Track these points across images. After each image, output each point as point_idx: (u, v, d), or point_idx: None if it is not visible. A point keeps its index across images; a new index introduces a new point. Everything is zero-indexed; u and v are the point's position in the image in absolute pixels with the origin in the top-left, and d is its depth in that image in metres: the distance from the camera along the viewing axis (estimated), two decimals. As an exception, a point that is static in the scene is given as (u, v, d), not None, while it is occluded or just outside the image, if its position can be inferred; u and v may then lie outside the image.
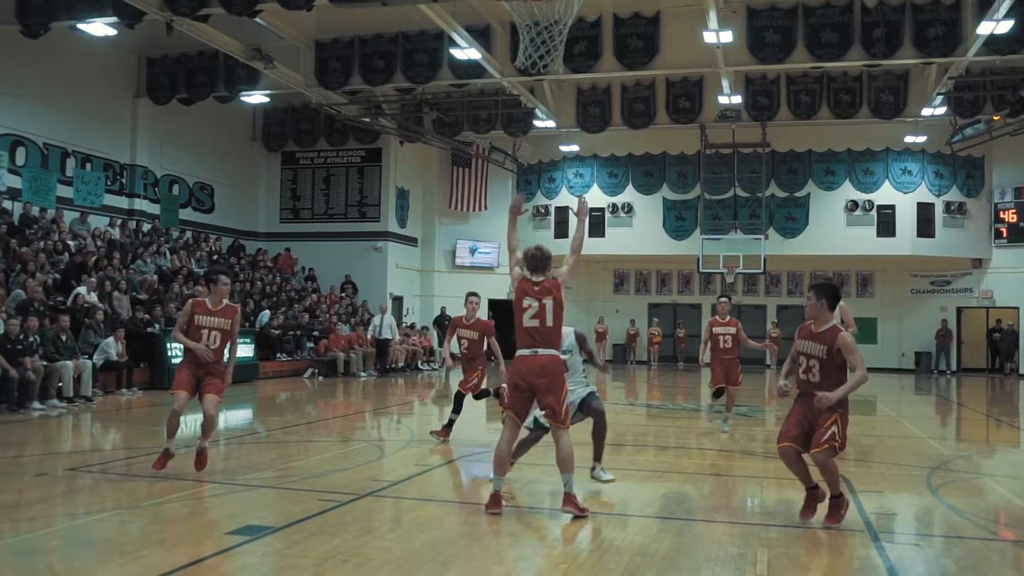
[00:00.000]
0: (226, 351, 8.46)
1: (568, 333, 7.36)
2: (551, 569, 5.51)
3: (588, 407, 8.14)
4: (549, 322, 6.86)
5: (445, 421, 11.07)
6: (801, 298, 31.31)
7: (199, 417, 8.35)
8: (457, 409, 11.07)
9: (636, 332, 32.59)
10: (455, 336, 11.14)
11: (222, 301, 8.37)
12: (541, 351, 6.81)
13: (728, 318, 12.39)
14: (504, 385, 11.01)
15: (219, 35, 20.86)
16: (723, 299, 12.78)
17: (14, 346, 13.63)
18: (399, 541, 5.93)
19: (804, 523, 6.55)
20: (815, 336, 6.61)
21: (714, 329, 12.31)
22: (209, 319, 8.29)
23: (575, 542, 6.08)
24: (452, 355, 11.43)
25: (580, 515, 6.55)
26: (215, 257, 25.59)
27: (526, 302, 6.93)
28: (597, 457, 8.19)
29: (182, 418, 8.43)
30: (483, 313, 32.39)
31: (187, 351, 8.27)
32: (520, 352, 6.91)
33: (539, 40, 8.07)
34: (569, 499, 6.59)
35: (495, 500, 6.76)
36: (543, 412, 6.85)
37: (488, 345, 11.12)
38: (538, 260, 7.08)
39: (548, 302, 6.87)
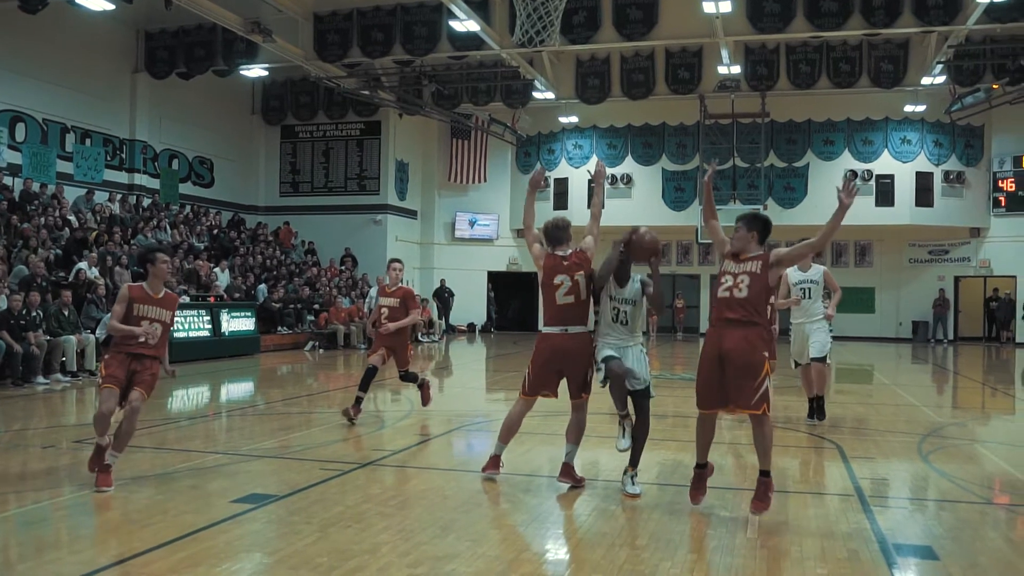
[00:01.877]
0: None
1: (634, 279, 6.61)
2: (547, 532, 5.65)
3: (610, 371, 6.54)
4: (583, 296, 6.66)
5: (418, 385, 10.68)
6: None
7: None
8: (410, 379, 10.52)
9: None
10: (376, 305, 10.61)
11: (162, 287, 7.08)
12: (572, 329, 6.65)
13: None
14: (427, 379, 11.01)
15: (217, 9, 20.83)
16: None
17: (17, 321, 13.77)
18: (400, 507, 6.08)
19: (695, 505, 6.14)
20: (746, 260, 6.12)
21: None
22: (151, 309, 6.95)
23: (572, 507, 6.21)
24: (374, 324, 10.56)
25: (576, 486, 6.67)
26: (215, 232, 25.68)
27: (558, 279, 6.66)
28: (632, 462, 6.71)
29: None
30: (482, 285, 33.10)
31: (118, 342, 6.95)
32: (548, 329, 6.75)
33: (535, 16, 8.12)
34: (567, 469, 6.71)
35: (493, 462, 6.87)
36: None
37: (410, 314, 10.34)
38: (559, 231, 6.82)
39: (580, 277, 6.64)
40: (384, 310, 10.31)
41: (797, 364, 10.42)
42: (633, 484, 6.49)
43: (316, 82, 26.51)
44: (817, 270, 10.03)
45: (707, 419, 6.16)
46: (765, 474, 5.91)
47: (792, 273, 9.91)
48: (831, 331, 10.25)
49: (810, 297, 9.97)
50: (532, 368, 6.82)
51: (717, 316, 6.12)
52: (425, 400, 10.77)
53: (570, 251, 6.75)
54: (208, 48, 24.20)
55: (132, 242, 20.78)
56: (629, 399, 6.51)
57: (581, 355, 6.66)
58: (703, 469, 6.20)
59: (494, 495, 6.55)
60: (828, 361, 10.12)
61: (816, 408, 10.23)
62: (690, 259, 32.45)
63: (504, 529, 5.72)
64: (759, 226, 6.21)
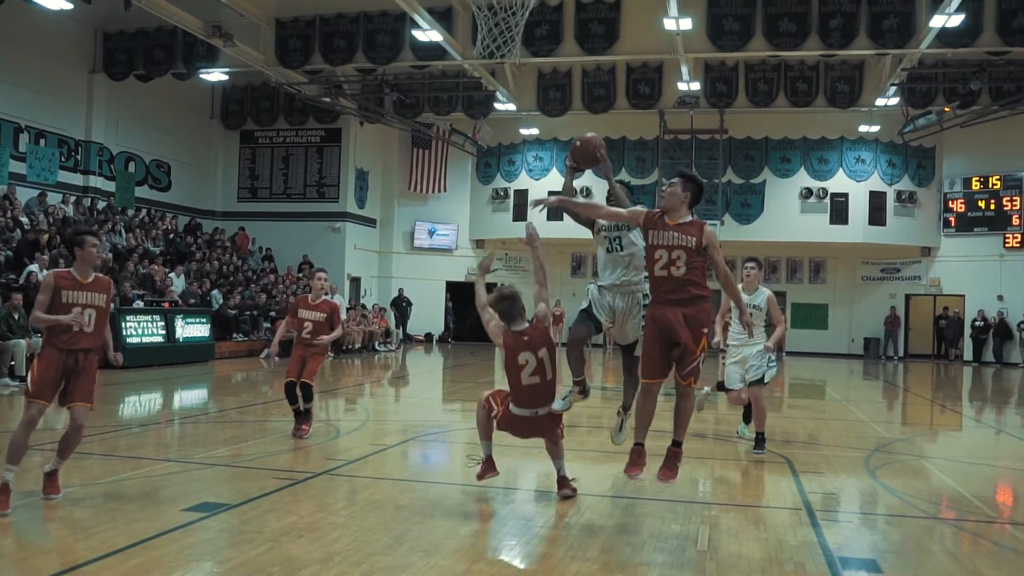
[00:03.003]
0: (108, 335, 6.75)
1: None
2: (500, 544, 5.68)
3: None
4: (550, 375, 6.35)
5: (301, 415, 9.46)
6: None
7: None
8: (307, 398, 9.39)
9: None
10: (296, 317, 9.63)
11: (91, 271, 6.51)
12: (542, 411, 6.38)
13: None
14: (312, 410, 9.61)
15: (178, 11, 20.67)
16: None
17: (-34, 323, 13.51)
18: (353, 517, 6.07)
19: (631, 477, 6.07)
20: (677, 227, 5.84)
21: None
22: (80, 294, 6.36)
23: (526, 519, 6.24)
24: (280, 342, 10.05)
25: (570, 495, 6.68)
26: (171, 236, 25.41)
27: (522, 358, 6.33)
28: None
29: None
30: (440, 294, 33.04)
31: (49, 337, 6.35)
32: (517, 411, 6.41)
33: (497, 31, 8.19)
34: (563, 482, 6.74)
35: (487, 466, 6.60)
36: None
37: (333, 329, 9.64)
38: (511, 304, 6.46)
39: (544, 354, 6.35)
40: (308, 324, 9.50)
41: (723, 387, 9.41)
42: (620, 432, 6.77)
43: (277, 88, 26.37)
44: (762, 294, 9.07)
45: (651, 390, 5.95)
46: (677, 444, 5.93)
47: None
48: (773, 362, 9.29)
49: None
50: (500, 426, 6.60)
51: (658, 295, 5.92)
52: (299, 430, 9.36)
53: (527, 324, 6.49)
54: (168, 51, 23.98)
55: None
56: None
57: (551, 426, 6.53)
58: (641, 447, 6.02)
59: (448, 506, 6.56)
60: (766, 382, 9.14)
61: (757, 439, 9.19)
62: (648, 272, 32.57)
63: (458, 540, 5.74)
64: (693, 188, 6.01)
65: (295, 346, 9.60)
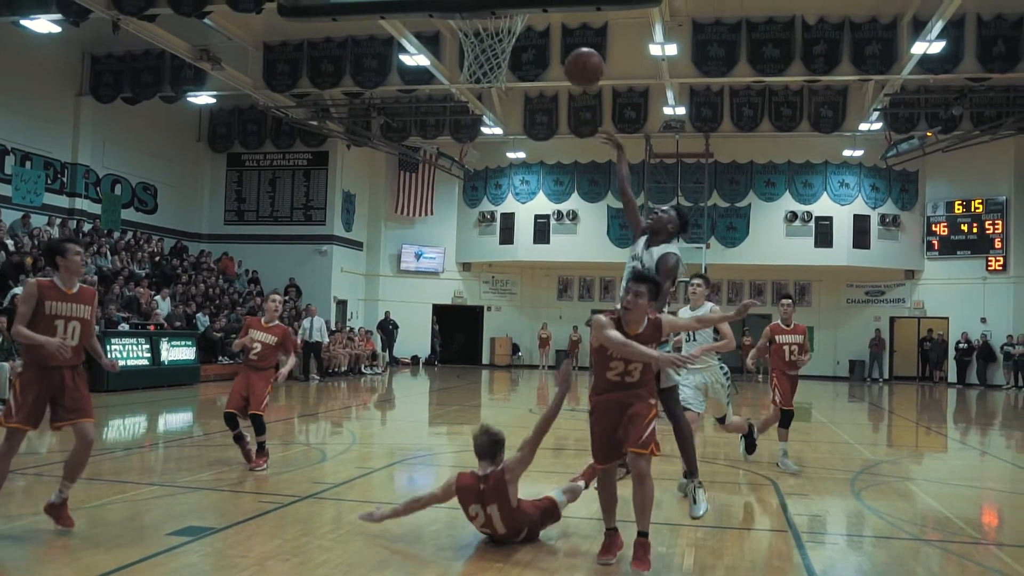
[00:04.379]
0: (99, 348, 6.58)
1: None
2: (484, 569, 5.66)
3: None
4: (501, 530, 5.98)
5: (254, 446, 9.09)
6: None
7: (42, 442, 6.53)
8: (259, 430, 8.99)
9: (579, 338, 32.85)
10: (247, 336, 9.13)
11: (75, 281, 6.19)
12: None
13: (794, 324, 10.05)
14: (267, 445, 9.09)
15: (166, 35, 20.73)
16: (785, 301, 10.16)
17: (-51, 346, 13.42)
18: (339, 541, 6.05)
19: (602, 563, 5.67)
20: (636, 338, 5.59)
21: (778, 338, 9.97)
22: (65, 306, 6.03)
23: (511, 544, 6.23)
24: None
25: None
26: (157, 259, 25.34)
27: (472, 509, 5.98)
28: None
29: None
30: (426, 317, 33.04)
31: (30, 354, 6.01)
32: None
33: (483, 57, 8.27)
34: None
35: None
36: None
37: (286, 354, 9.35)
38: (485, 446, 6.03)
39: (494, 511, 5.90)
40: (257, 345, 9.04)
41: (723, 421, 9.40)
42: (696, 503, 6.17)
43: (264, 111, 26.44)
44: (705, 307, 8.72)
45: (607, 473, 5.81)
46: (643, 535, 5.49)
47: (684, 312, 8.83)
48: (727, 381, 9.03)
49: (695, 340, 8.75)
50: None
51: (603, 389, 5.72)
52: (251, 460, 8.97)
53: (490, 469, 5.95)
54: (155, 74, 24.02)
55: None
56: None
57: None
58: (614, 532, 5.81)
59: (434, 530, 6.53)
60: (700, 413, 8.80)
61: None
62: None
63: (443, 564, 5.72)
64: (654, 292, 5.75)
65: (240, 369, 9.22)
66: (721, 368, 8.96)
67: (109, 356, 6.54)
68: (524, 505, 6.08)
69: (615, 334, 5.51)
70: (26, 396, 5.93)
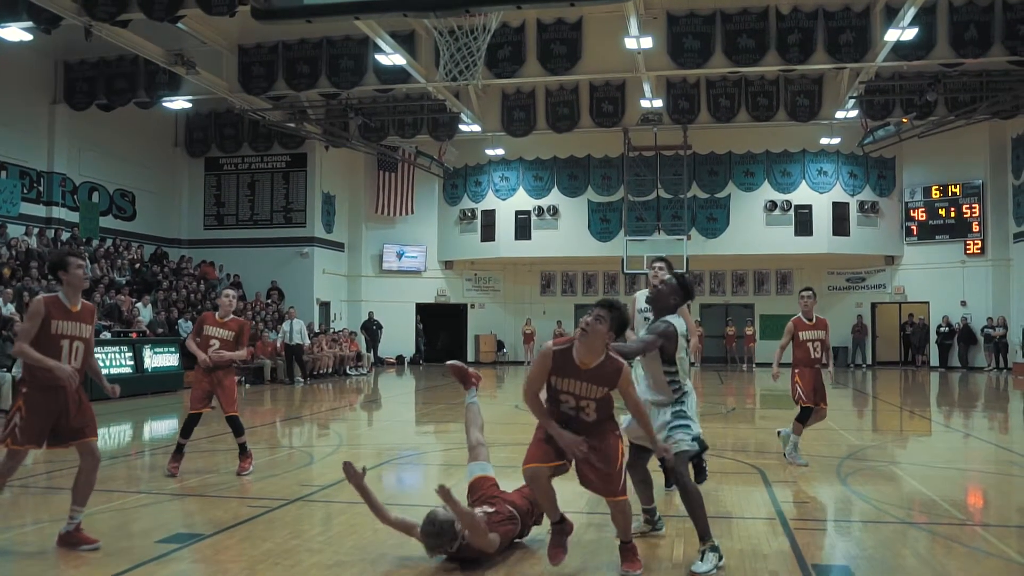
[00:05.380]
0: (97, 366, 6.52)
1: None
2: (475, 569, 5.67)
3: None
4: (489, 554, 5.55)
5: (240, 450, 9.06)
6: (723, 296, 32.14)
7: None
8: (237, 431, 8.97)
9: (562, 333, 32.92)
10: (201, 335, 9.11)
11: (79, 297, 6.05)
12: None
13: (816, 318, 9.79)
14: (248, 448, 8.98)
15: (140, 40, 20.59)
16: (806, 293, 9.81)
17: (-71, 360, 13.30)
18: (329, 543, 6.05)
19: (554, 565, 5.44)
20: (589, 373, 5.11)
21: (800, 334, 9.68)
22: (70, 325, 5.91)
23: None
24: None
25: None
26: (137, 266, 25.18)
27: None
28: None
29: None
30: (410, 317, 33.01)
31: (32, 374, 5.82)
32: None
33: (459, 56, 8.27)
34: None
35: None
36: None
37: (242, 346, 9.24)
38: (432, 539, 5.46)
39: (471, 553, 5.46)
40: (214, 342, 9.01)
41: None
42: (703, 559, 5.44)
43: (241, 114, 26.31)
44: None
45: (537, 475, 5.31)
46: (626, 543, 5.39)
47: (641, 297, 7.95)
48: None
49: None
50: None
51: (556, 417, 5.29)
52: (241, 467, 8.90)
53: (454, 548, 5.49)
54: (130, 79, 23.86)
55: (50, 277, 20.24)
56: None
57: None
58: (561, 524, 5.51)
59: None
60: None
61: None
62: (617, 289, 32.82)
63: (435, 561, 5.73)
64: (618, 320, 5.18)
65: (197, 369, 9.01)
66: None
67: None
68: (509, 497, 5.86)
69: (635, 393, 5.23)
70: (32, 418, 5.78)
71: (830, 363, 9.86)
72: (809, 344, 9.54)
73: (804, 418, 9.56)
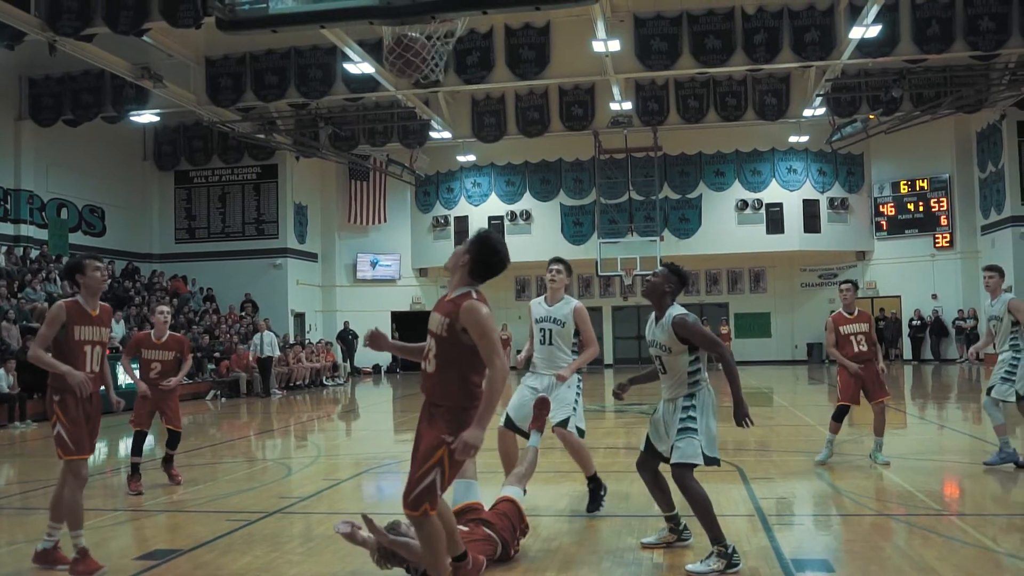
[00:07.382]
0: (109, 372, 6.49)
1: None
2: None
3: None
4: None
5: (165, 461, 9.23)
6: (697, 296, 32.27)
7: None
8: (173, 444, 9.19)
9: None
10: (139, 357, 9.13)
11: (97, 301, 5.95)
12: None
13: (857, 311, 9.47)
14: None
15: (105, 54, 20.43)
16: (845, 286, 9.54)
17: (-103, 383, 13.11)
18: (309, 555, 6.02)
19: None
20: (441, 306, 4.74)
21: (842, 328, 9.40)
22: (91, 330, 5.81)
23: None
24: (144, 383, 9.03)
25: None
26: (108, 281, 24.93)
27: None
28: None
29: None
30: (386, 325, 32.89)
31: (61, 384, 5.64)
32: None
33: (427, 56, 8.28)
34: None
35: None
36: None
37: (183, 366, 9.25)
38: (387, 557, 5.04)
39: None
40: (156, 364, 8.95)
41: (510, 423, 7.23)
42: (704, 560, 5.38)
43: (210, 127, 26.15)
44: (568, 304, 7.36)
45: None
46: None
47: (537, 305, 7.64)
48: (579, 392, 7.20)
49: (549, 343, 7.25)
50: None
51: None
52: (172, 478, 9.03)
53: None
54: (96, 94, 23.65)
55: (19, 295, 20.04)
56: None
57: None
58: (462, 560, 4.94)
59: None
60: (572, 429, 7.08)
61: (591, 496, 7.14)
62: (591, 291, 32.91)
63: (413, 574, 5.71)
64: (481, 269, 4.95)
65: (143, 392, 8.90)
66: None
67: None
68: (487, 516, 5.65)
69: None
70: (75, 426, 5.67)
71: (879, 356, 9.53)
72: (852, 338, 9.30)
73: (840, 416, 9.40)
